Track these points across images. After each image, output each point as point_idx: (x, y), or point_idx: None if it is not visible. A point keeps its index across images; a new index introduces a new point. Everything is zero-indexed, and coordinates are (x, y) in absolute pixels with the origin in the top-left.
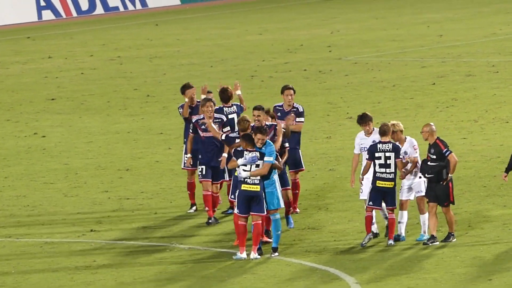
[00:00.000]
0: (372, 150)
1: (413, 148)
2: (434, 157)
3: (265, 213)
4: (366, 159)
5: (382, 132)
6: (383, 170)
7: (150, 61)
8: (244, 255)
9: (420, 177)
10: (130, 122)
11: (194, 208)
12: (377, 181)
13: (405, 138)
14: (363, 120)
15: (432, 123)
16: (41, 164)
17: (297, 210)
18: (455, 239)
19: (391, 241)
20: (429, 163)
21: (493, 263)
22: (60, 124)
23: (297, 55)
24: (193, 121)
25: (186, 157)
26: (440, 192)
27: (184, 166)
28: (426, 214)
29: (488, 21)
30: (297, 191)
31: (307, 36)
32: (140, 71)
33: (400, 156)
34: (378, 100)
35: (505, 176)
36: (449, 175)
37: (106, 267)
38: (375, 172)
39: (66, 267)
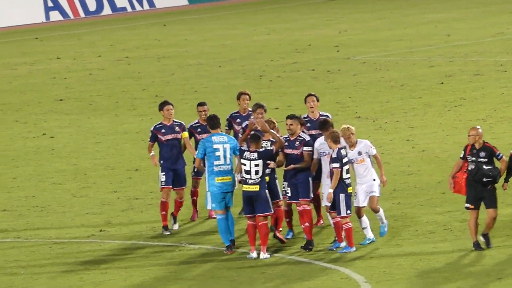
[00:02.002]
0: (342, 156)
1: (369, 146)
2: (486, 160)
3: (272, 211)
4: (337, 167)
5: (336, 140)
6: (348, 176)
7: (158, 61)
8: (254, 254)
9: (374, 180)
10: (139, 122)
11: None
12: (349, 188)
13: (356, 140)
14: (324, 126)
15: (479, 127)
16: (50, 164)
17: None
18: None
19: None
20: (484, 166)
21: (503, 262)
22: (68, 125)
23: (305, 55)
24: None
25: None
26: (490, 196)
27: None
28: (381, 211)
29: (495, 20)
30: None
31: (314, 36)
32: (148, 71)
33: (354, 158)
34: (386, 100)
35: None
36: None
37: (115, 267)
38: (343, 179)
39: (76, 267)
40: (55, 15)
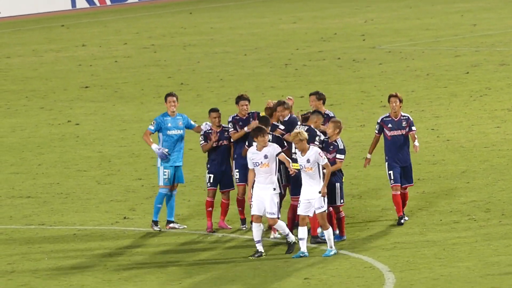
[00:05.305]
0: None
1: (319, 155)
2: None
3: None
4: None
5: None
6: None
7: (184, 49)
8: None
9: (319, 192)
10: (164, 110)
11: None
12: None
13: (309, 146)
14: (260, 132)
15: None
16: (75, 151)
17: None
18: None
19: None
20: None
21: None
22: (93, 112)
23: (331, 44)
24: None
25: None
26: None
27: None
28: (330, 229)
29: None
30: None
31: (340, 25)
32: (174, 59)
33: (303, 165)
34: (411, 89)
35: None
36: None
37: (139, 254)
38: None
39: (99, 254)
40: (81, 3)
